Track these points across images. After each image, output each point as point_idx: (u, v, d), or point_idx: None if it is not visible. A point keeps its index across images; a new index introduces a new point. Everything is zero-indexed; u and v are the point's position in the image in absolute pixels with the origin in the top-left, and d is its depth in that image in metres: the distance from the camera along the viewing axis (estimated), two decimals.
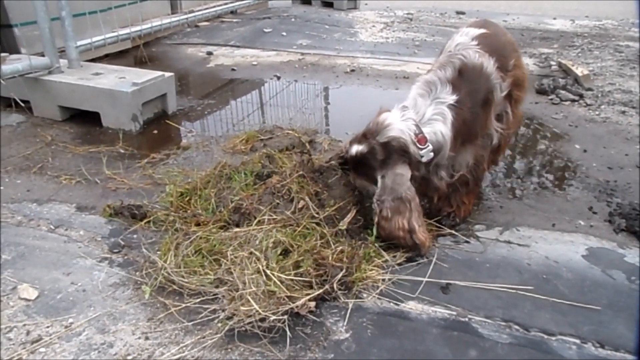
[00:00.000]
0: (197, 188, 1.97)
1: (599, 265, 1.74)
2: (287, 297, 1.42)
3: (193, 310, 1.46)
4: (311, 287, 1.49)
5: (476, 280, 1.64)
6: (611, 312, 1.52)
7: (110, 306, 1.48)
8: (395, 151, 1.67)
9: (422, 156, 1.68)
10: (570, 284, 1.63)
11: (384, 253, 1.71)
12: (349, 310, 1.47)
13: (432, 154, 1.70)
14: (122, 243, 1.78)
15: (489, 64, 1.75)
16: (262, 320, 1.36)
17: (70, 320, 1.43)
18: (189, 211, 1.88)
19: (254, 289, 1.42)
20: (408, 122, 1.68)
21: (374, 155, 1.68)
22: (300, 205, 1.77)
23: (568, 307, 1.53)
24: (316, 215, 1.73)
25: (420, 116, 1.70)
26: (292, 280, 1.48)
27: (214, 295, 1.49)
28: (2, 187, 2.14)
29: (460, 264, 1.72)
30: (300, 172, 1.85)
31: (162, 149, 2.55)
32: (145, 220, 1.88)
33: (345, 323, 1.43)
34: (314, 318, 1.44)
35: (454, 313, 1.49)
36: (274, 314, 1.36)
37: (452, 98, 1.69)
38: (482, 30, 1.89)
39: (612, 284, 1.65)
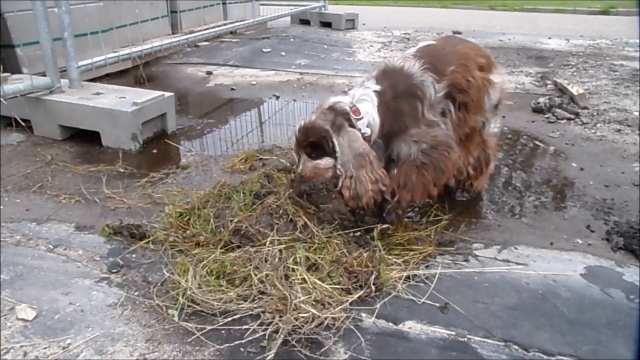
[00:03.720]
0: (196, 208, 1.98)
1: (597, 283, 1.74)
2: (335, 302, 1.53)
3: (225, 332, 1.46)
4: (349, 293, 1.59)
5: (475, 299, 1.63)
6: (610, 332, 1.51)
7: (109, 327, 1.48)
8: (341, 114, 1.83)
9: (359, 129, 1.83)
10: (569, 303, 1.63)
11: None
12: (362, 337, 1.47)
13: (368, 129, 1.85)
14: (121, 263, 1.77)
15: (411, 66, 1.93)
16: (319, 325, 1.44)
17: (68, 341, 1.42)
18: (188, 231, 1.88)
19: (304, 297, 1.49)
20: (342, 98, 1.91)
21: (326, 120, 1.81)
22: (300, 225, 1.80)
23: (567, 326, 1.53)
24: (318, 234, 1.77)
25: (351, 97, 1.91)
26: (333, 288, 1.57)
27: (247, 313, 1.50)
28: (1, 207, 2.14)
29: (458, 283, 1.72)
30: (290, 192, 1.87)
31: (162, 168, 2.57)
32: (144, 240, 1.88)
33: (344, 344, 1.43)
34: (313, 338, 1.43)
35: (453, 333, 1.49)
36: (332, 315, 1.47)
37: (375, 87, 1.92)
38: (429, 42, 2.14)
39: (611, 303, 1.65)
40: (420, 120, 1.91)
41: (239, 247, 1.77)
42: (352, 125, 1.82)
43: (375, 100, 1.88)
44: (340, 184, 1.81)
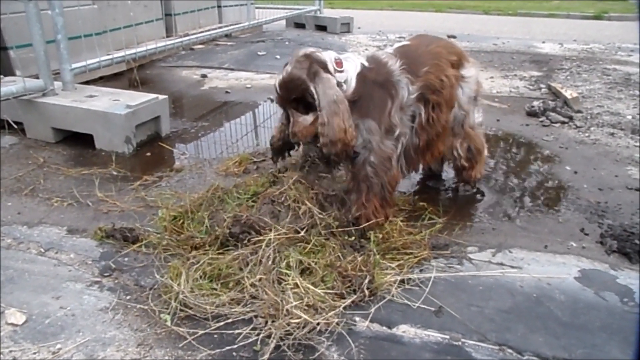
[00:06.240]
0: (189, 211, 1.96)
1: (591, 287, 1.74)
2: (327, 307, 1.51)
3: (218, 337, 1.44)
4: (343, 298, 1.57)
5: (469, 303, 1.63)
6: (604, 335, 1.51)
7: (100, 331, 1.46)
8: (317, 62, 1.81)
9: (337, 81, 1.81)
10: (563, 306, 1.63)
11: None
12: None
13: (344, 85, 1.84)
14: (113, 266, 1.76)
15: (394, 64, 1.95)
16: (312, 330, 1.42)
17: (58, 346, 1.40)
18: (182, 235, 1.86)
19: (296, 302, 1.47)
20: (326, 52, 1.90)
21: (301, 68, 1.78)
22: (302, 211, 1.80)
23: (561, 329, 1.53)
24: (319, 222, 1.77)
25: (337, 54, 1.92)
26: (325, 293, 1.56)
27: (239, 318, 1.49)
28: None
29: (453, 287, 1.71)
30: (296, 177, 1.87)
31: (155, 171, 2.55)
32: (137, 244, 1.86)
33: (337, 348, 1.42)
34: (306, 343, 1.42)
35: (447, 337, 1.48)
36: (326, 321, 1.45)
37: (364, 61, 1.94)
38: (406, 42, 2.16)
39: (605, 306, 1.65)
40: (383, 117, 1.90)
41: (235, 245, 1.75)
42: (328, 71, 1.81)
43: (358, 67, 1.89)
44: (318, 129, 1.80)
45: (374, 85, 1.90)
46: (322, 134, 1.76)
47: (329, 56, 1.85)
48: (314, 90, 1.76)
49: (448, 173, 2.57)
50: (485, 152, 2.42)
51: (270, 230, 1.74)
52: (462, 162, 2.30)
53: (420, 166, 2.33)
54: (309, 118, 1.81)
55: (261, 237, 1.72)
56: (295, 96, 1.79)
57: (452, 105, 2.15)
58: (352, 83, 1.85)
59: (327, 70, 1.80)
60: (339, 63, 1.85)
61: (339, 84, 1.81)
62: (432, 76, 2.00)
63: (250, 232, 1.77)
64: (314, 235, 1.77)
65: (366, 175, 1.91)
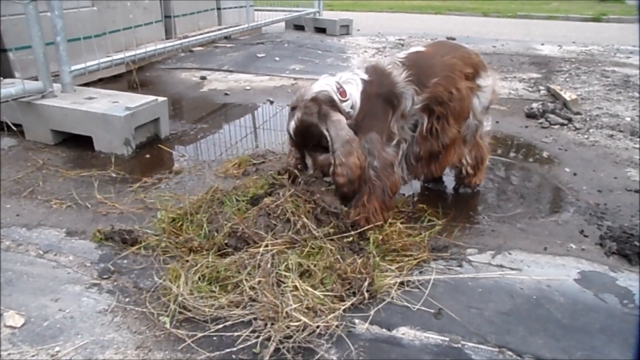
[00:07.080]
0: (189, 213, 1.96)
1: (591, 288, 1.74)
2: (327, 309, 1.51)
3: (217, 339, 1.44)
4: (342, 300, 1.57)
5: (469, 305, 1.63)
6: (604, 337, 1.51)
7: (99, 334, 1.46)
8: (325, 102, 1.87)
9: (346, 111, 1.89)
10: (563, 308, 1.63)
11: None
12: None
13: (351, 110, 1.91)
14: (112, 269, 1.75)
15: (398, 74, 1.97)
16: (311, 333, 1.42)
17: (57, 348, 1.40)
18: (180, 237, 1.86)
19: (295, 305, 1.47)
20: (329, 80, 1.96)
21: (311, 114, 1.85)
22: (299, 226, 1.79)
23: (561, 331, 1.52)
24: (317, 234, 1.77)
25: (338, 78, 1.98)
26: (325, 295, 1.55)
27: (238, 320, 1.48)
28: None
29: (452, 289, 1.71)
30: (293, 191, 1.87)
31: (155, 173, 2.55)
32: (136, 246, 1.86)
33: (336, 350, 1.41)
34: (306, 345, 1.42)
35: (447, 339, 1.48)
36: (325, 323, 1.45)
37: (364, 76, 1.98)
38: (419, 49, 2.15)
39: (605, 308, 1.64)
40: (384, 128, 1.95)
41: (235, 250, 1.75)
42: (337, 108, 1.87)
43: (360, 86, 1.94)
44: (331, 170, 1.87)
45: (377, 99, 1.94)
46: (340, 174, 1.84)
47: (332, 88, 1.91)
48: (327, 133, 1.85)
49: (448, 175, 2.56)
50: (487, 161, 2.44)
51: (267, 245, 1.73)
52: (467, 169, 2.33)
53: (424, 175, 2.30)
54: (323, 157, 1.91)
55: (258, 248, 1.71)
56: (312, 143, 1.89)
57: (464, 117, 2.16)
58: (357, 104, 1.91)
59: (335, 105, 1.87)
60: (342, 92, 1.91)
61: (346, 115, 1.88)
62: (441, 88, 2.01)
63: (248, 242, 1.77)
64: (311, 240, 1.77)
65: (369, 178, 1.93)
